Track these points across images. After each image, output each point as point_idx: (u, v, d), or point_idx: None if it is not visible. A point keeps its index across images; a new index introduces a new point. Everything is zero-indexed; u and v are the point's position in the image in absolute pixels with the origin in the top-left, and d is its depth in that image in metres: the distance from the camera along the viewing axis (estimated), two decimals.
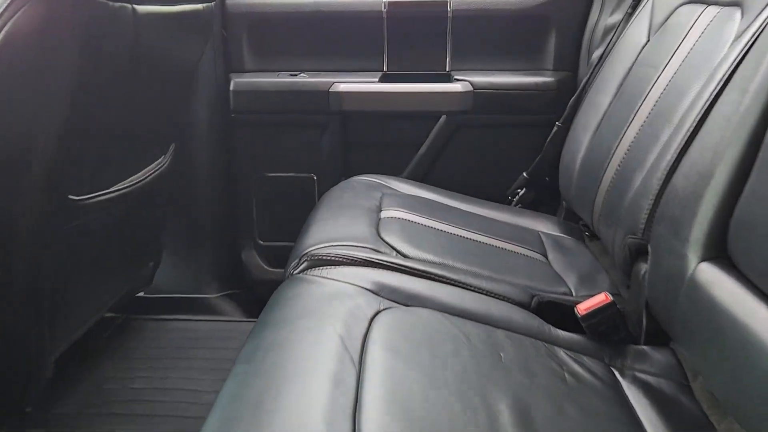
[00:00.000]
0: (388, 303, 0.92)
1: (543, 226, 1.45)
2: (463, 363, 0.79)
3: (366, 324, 0.83)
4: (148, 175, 1.30)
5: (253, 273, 1.77)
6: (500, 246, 1.26)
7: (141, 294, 1.72)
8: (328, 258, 1.03)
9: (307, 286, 0.95)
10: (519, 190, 1.61)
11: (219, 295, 1.74)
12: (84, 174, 1.09)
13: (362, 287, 0.94)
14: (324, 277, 0.97)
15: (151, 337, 1.60)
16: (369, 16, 1.61)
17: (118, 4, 1.00)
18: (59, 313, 1.15)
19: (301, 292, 0.94)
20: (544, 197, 1.61)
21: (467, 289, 1.02)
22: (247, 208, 1.74)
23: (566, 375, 0.86)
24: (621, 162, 1.18)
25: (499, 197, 1.59)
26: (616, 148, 1.21)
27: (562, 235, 1.42)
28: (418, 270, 1.02)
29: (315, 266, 1.02)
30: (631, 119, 1.20)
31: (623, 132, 1.21)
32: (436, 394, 0.72)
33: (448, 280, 1.02)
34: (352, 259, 1.02)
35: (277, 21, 1.64)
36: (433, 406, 0.70)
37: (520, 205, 1.59)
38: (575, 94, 1.49)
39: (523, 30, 1.62)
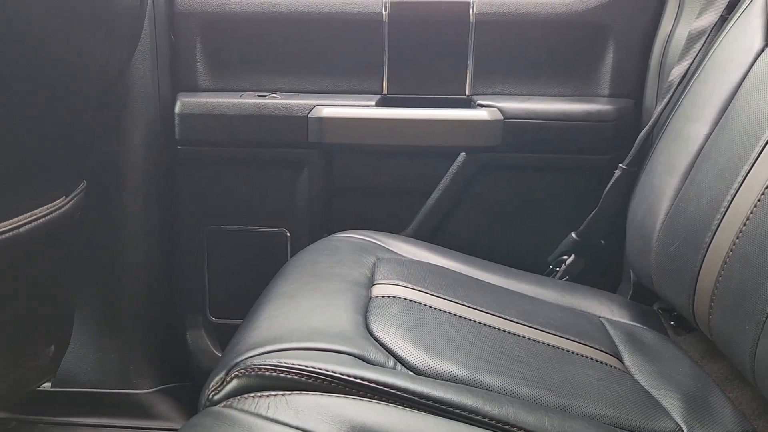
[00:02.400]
0: None
1: (605, 310, 1.01)
2: None
3: None
4: (25, 224, 0.86)
5: (202, 361, 1.31)
6: (555, 344, 0.81)
7: (45, 386, 1.27)
8: (276, 374, 0.58)
9: None
10: (565, 257, 1.17)
11: (154, 390, 1.28)
12: None
13: None
14: (261, 417, 0.53)
15: None
16: (365, 20, 1.21)
17: None
18: None
19: None
20: (600, 267, 1.17)
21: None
22: (195, 273, 1.30)
23: None
24: (748, 220, 0.75)
25: (538, 266, 1.16)
26: (732, 199, 0.79)
27: (633, 323, 0.98)
28: (435, 401, 0.57)
29: (250, 390, 0.58)
30: (753, 157, 0.79)
31: (742, 176, 0.79)
32: None
33: (486, 419, 0.57)
34: (317, 378, 0.58)
35: (241, 24, 1.23)
36: None
37: (567, 277, 1.15)
38: (647, 126, 1.07)
39: (571, 43, 1.22)
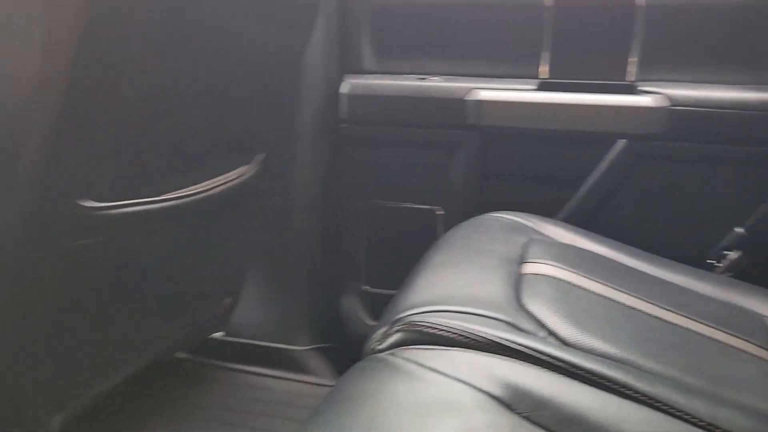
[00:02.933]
0: (531, 428, 0.51)
1: None
2: None
3: None
4: (216, 187, 0.98)
5: (353, 326, 1.41)
6: (711, 336, 0.79)
7: (218, 335, 1.42)
8: (434, 332, 0.64)
9: (391, 378, 0.57)
10: (728, 252, 1.12)
11: (308, 348, 1.40)
12: (111, 176, 0.79)
13: (485, 392, 0.54)
14: (421, 365, 0.58)
15: (218, 392, 1.29)
16: (526, 5, 1.22)
17: None
18: (70, 356, 0.85)
19: (377, 388, 0.55)
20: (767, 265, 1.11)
21: (672, 414, 0.58)
22: (353, 244, 1.39)
23: None
24: None
25: (697, 260, 1.11)
26: None
27: None
28: (586, 371, 0.59)
29: (411, 342, 0.63)
30: None
31: None
32: None
33: (637, 395, 0.59)
34: (472, 338, 0.62)
35: (407, 10, 1.29)
36: None
37: (729, 273, 1.10)
38: None
39: (748, 27, 1.15)
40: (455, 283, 0.77)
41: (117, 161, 0.79)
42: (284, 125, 1.26)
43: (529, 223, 1.05)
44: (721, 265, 1.11)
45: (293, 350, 1.39)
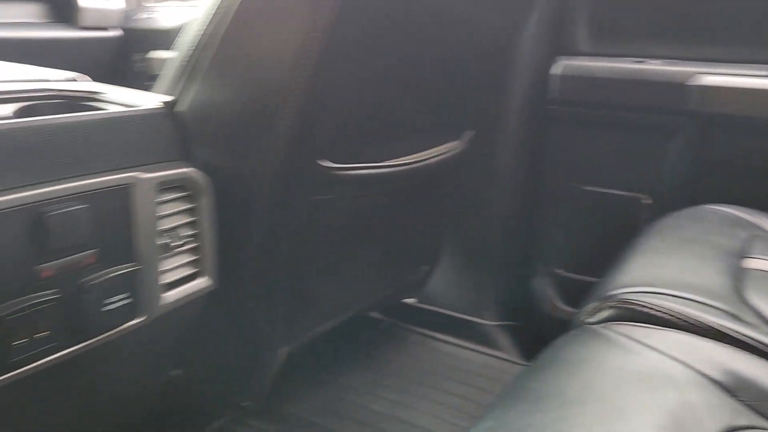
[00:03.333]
0: (751, 417, 0.50)
1: None
2: None
3: None
4: (429, 158, 1.05)
5: (543, 307, 1.41)
6: None
7: (412, 300, 1.51)
8: (649, 311, 0.64)
9: (605, 349, 0.58)
10: None
11: (497, 323, 1.43)
12: (343, 141, 0.88)
13: (703, 374, 0.54)
14: (635, 340, 0.59)
15: (411, 353, 1.37)
16: None
17: None
18: (300, 298, 0.96)
19: (592, 355, 0.57)
20: None
21: None
22: (549, 226, 1.39)
23: None
24: None
25: None
26: None
27: None
28: None
29: (623, 319, 0.64)
30: None
31: None
32: None
33: None
34: (690, 323, 0.61)
35: None
36: None
37: None
38: None
39: None
40: (670, 267, 0.75)
41: (351, 129, 0.88)
42: (493, 104, 1.29)
43: (752, 218, 0.98)
44: None
45: (482, 324, 1.44)
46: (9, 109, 0.69)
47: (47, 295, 0.62)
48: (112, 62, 1.93)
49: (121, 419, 0.85)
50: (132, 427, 0.91)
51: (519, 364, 1.35)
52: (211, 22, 0.80)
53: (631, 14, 1.27)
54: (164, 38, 1.89)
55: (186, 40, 0.83)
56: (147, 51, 1.90)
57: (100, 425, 0.80)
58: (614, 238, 1.05)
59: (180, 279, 0.77)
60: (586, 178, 1.33)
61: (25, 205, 0.59)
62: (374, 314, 1.52)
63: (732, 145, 1.18)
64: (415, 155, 1.02)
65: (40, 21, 1.88)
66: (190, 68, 0.82)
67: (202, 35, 0.81)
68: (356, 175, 0.90)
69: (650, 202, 1.27)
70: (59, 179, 0.62)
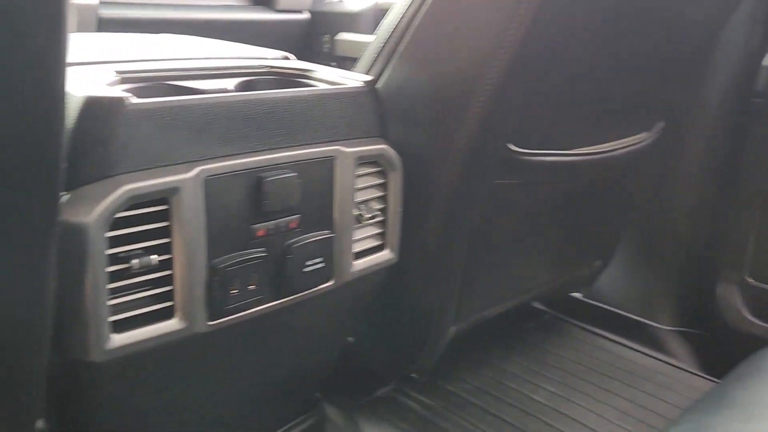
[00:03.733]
0: None
1: None
2: None
3: None
4: (617, 149, 1.00)
5: (726, 316, 1.31)
6: None
7: (577, 295, 1.47)
8: None
9: None
10: None
11: (672, 329, 1.35)
12: (532, 126, 0.87)
13: None
14: None
15: (575, 348, 1.34)
16: None
17: None
18: (472, 279, 0.98)
19: None
20: None
21: None
22: (740, 228, 1.28)
23: None
24: None
25: None
26: None
27: None
28: None
29: None
30: None
31: None
32: None
33: None
34: None
35: None
36: None
37: None
38: None
39: None
40: None
41: (541, 114, 0.87)
42: (689, 96, 1.21)
43: None
44: None
45: (654, 327, 1.36)
46: (231, 83, 0.77)
47: (257, 252, 0.68)
48: (301, 42, 2.06)
49: (299, 377, 0.92)
50: (306, 387, 0.98)
51: (694, 374, 1.26)
52: (410, 6, 0.83)
53: None
54: (350, 21, 1.98)
55: (386, 23, 0.86)
56: (334, 33, 2.01)
57: (281, 380, 0.88)
58: None
59: (367, 249, 0.82)
60: None
61: (248, 169, 0.65)
62: (536, 304, 1.50)
63: None
64: (603, 145, 0.99)
65: (241, 4, 2.04)
66: (388, 50, 0.85)
67: (401, 18, 0.84)
68: (543, 161, 0.89)
69: None
70: (275, 148, 0.68)
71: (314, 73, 0.80)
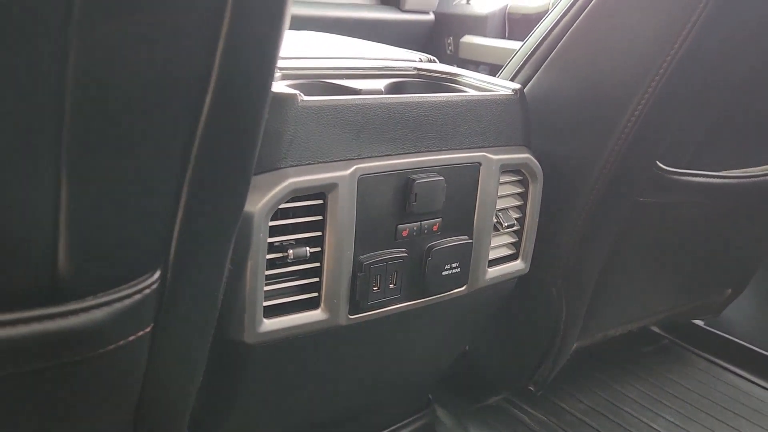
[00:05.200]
0: None
1: None
2: None
3: None
4: (763, 176, 0.94)
5: None
6: None
7: (698, 322, 1.39)
8: None
9: None
10: None
11: None
12: (684, 143, 0.83)
13: None
14: None
15: (696, 378, 1.27)
16: None
17: None
18: (601, 297, 0.95)
19: None
20: None
21: None
22: None
23: None
24: None
25: None
26: None
27: None
28: None
29: None
30: None
31: None
32: None
33: None
34: None
35: None
36: None
37: None
38: None
39: None
40: None
41: (695, 132, 0.83)
42: None
43: None
44: None
45: None
46: (381, 83, 0.78)
47: (400, 252, 0.69)
48: (424, 43, 2.07)
49: (415, 377, 0.93)
50: (420, 388, 0.98)
51: None
52: (568, 12, 0.81)
53: None
54: (476, 24, 1.97)
55: (539, 29, 0.85)
56: (458, 35, 2.00)
57: (398, 379, 0.89)
58: None
59: (500, 258, 0.81)
60: None
61: (399, 170, 0.67)
62: (655, 328, 1.43)
63: None
64: (755, 168, 0.93)
65: (369, 3, 2.08)
66: (539, 56, 0.84)
67: (557, 24, 0.83)
68: (691, 181, 0.85)
69: None
70: (425, 151, 0.69)
71: (462, 77, 0.81)
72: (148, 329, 0.47)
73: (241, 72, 0.37)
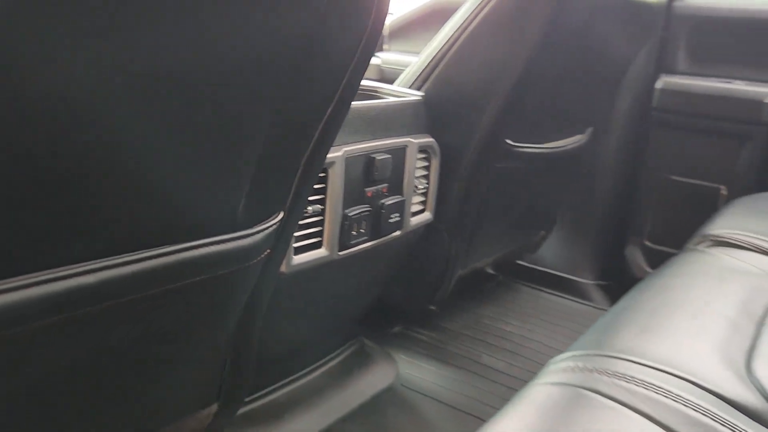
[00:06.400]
0: None
1: None
2: None
3: (765, 305, 0.82)
4: (567, 147, 1.44)
5: (633, 271, 1.78)
6: None
7: (522, 263, 1.90)
8: (733, 241, 1.02)
9: (706, 258, 0.97)
10: None
11: (593, 282, 1.81)
12: (520, 126, 1.28)
13: None
14: (727, 255, 0.97)
15: (524, 299, 1.77)
16: None
17: None
18: (474, 236, 1.37)
19: (697, 260, 0.96)
20: None
21: None
22: (643, 205, 1.76)
23: None
24: None
25: None
26: None
27: None
28: None
29: (716, 245, 1.02)
30: None
31: None
32: None
33: None
34: (764, 250, 0.99)
35: (721, 26, 1.62)
36: None
37: None
38: None
39: None
40: (747, 220, 1.13)
41: (526, 120, 1.28)
42: (609, 108, 1.67)
43: None
44: None
45: (580, 282, 1.82)
46: None
47: (366, 207, 1.04)
48: None
49: (355, 311, 1.27)
50: (352, 322, 1.33)
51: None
52: (447, 41, 1.21)
53: (720, 44, 1.63)
54: None
55: (428, 51, 1.23)
56: None
57: (348, 312, 1.22)
58: (695, 219, 1.42)
59: (416, 211, 1.19)
60: (676, 171, 1.70)
61: (366, 152, 1.01)
62: (489, 270, 1.92)
63: None
64: (558, 142, 1.42)
65: None
66: (428, 70, 1.22)
67: (441, 48, 1.22)
68: (525, 151, 1.30)
69: (726, 192, 1.63)
70: (377, 138, 1.04)
71: (381, 89, 1.17)
72: (269, 251, 0.76)
73: (353, 88, 0.70)
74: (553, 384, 0.61)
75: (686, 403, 0.56)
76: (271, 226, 0.73)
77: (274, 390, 1.16)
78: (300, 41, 0.58)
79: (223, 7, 0.49)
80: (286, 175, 0.72)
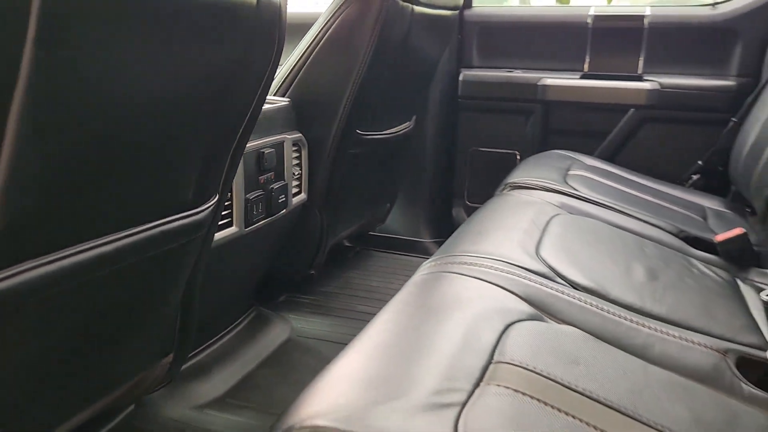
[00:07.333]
0: (560, 211, 1.32)
1: (710, 204, 1.72)
2: (613, 242, 1.17)
3: (546, 219, 1.24)
4: (399, 132, 1.82)
5: (459, 225, 2.22)
6: (663, 204, 1.58)
7: (374, 233, 2.27)
8: (525, 185, 1.45)
9: (508, 198, 1.38)
10: (693, 176, 1.88)
11: (431, 240, 2.23)
12: (366, 119, 1.63)
13: (549, 202, 1.35)
14: (521, 195, 1.40)
15: (381, 262, 2.13)
16: (576, 26, 2.01)
17: (403, 3, 1.52)
18: (339, 209, 1.70)
19: (503, 200, 1.37)
20: (715, 183, 1.87)
21: (625, 214, 1.37)
22: (460, 173, 2.21)
23: (694, 270, 1.18)
24: None
25: (675, 182, 1.88)
26: None
27: (726, 210, 1.69)
28: (592, 200, 1.40)
29: (514, 189, 1.45)
30: None
31: None
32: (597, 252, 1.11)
33: (613, 208, 1.39)
34: (545, 188, 1.43)
35: (500, 29, 2.10)
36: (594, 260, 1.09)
37: (692, 187, 1.87)
38: (752, 94, 1.75)
39: (711, 40, 1.91)
40: (535, 172, 1.57)
41: (367, 114, 1.63)
42: (426, 99, 2.09)
43: (575, 156, 1.85)
44: (688, 183, 1.88)
45: (421, 241, 2.23)
46: None
47: (260, 191, 1.32)
48: None
49: (249, 285, 1.54)
50: (247, 292, 1.60)
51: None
52: (305, 52, 1.51)
53: (502, 42, 2.12)
54: None
55: (288, 62, 1.53)
56: None
57: (247, 283, 1.50)
58: (500, 178, 1.88)
59: (295, 193, 1.49)
60: (482, 143, 2.16)
61: (258, 148, 1.29)
62: (347, 243, 2.26)
63: (563, 119, 2.05)
64: (393, 128, 1.79)
65: None
66: (292, 76, 1.52)
67: (300, 58, 1.52)
68: (372, 138, 1.65)
69: (519, 156, 2.12)
70: (264, 137, 1.33)
71: None
72: (207, 229, 1.03)
73: (263, 99, 0.99)
74: (422, 274, 0.95)
75: (502, 270, 0.93)
76: (210, 206, 1.00)
77: (199, 353, 1.40)
78: (232, 66, 0.86)
79: (165, 46, 0.76)
80: (219, 166, 0.99)
